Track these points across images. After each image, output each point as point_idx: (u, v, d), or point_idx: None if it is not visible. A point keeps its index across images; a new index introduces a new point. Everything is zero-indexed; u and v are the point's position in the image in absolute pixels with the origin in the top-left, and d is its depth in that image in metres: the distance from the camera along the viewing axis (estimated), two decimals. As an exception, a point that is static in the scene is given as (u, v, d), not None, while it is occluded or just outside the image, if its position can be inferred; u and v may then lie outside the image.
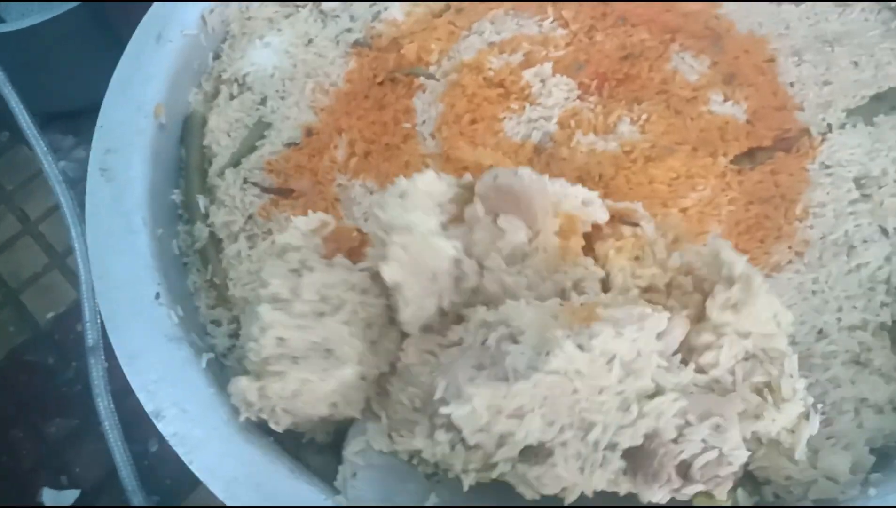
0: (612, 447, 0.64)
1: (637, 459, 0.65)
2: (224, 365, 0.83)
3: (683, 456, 0.64)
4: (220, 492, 0.69)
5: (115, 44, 1.04)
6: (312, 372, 0.68)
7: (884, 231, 0.87)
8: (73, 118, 2.13)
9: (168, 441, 0.72)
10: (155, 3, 0.98)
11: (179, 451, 0.71)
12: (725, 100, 0.96)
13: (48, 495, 1.80)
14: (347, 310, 0.70)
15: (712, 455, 0.64)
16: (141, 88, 0.93)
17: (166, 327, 0.78)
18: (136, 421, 0.84)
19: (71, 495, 1.79)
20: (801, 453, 0.68)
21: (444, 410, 0.63)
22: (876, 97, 0.95)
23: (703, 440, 0.64)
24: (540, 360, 0.63)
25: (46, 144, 1.27)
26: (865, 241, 0.86)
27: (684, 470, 0.64)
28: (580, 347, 0.63)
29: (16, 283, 2.07)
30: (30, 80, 2.00)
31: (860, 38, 1.01)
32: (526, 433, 0.63)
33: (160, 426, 0.72)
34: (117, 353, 0.76)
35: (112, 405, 1.00)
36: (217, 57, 1.04)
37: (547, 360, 0.62)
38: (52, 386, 1.94)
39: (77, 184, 0.99)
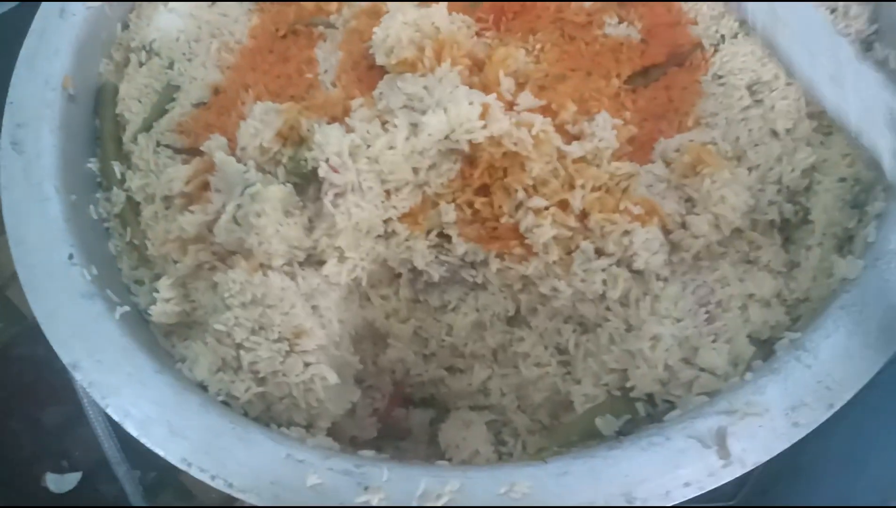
0: None
1: None
2: (146, 320, 0.87)
3: None
4: (135, 431, 0.73)
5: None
6: None
7: (774, 133, 0.88)
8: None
9: (87, 390, 0.76)
10: (56, -21, 1.00)
11: (96, 397, 0.75)
12: (620, 21, 0.97)
13: (52, 479, 1.87)
14: None
15: None
16: (47, 63, 0.95)
17: (80, 284, 0.82)
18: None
19: (73, 478, 1.86)
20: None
21: None
22: (769, 2, 0.96)
23: None
24: None
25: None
26: (756, 145, 0.88)
27: None
28: None
29: (0, 279, 2.13)
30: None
31: (753, -55, 1.01)
32: None
33: (77, 376, 0.76)
34: (35, 313, 0.80)
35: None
36: (126, 27, 1.06)
37: None
38: (45, 376, 2.00)
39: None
